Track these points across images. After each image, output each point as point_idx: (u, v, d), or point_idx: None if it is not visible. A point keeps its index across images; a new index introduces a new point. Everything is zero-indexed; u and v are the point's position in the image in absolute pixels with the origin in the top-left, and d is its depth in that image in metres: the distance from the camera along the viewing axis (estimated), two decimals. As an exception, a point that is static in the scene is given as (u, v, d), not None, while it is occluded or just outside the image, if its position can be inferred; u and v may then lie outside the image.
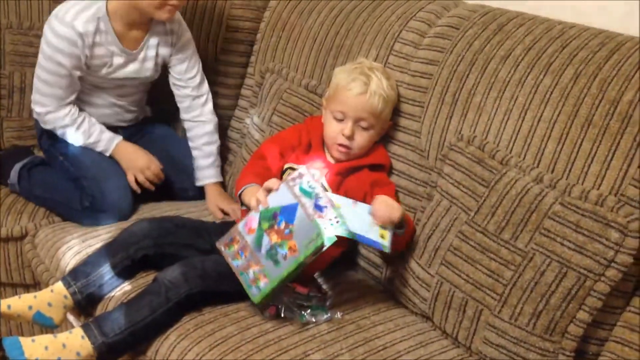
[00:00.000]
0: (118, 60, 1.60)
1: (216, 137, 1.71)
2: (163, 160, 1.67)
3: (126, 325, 1.21)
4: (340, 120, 1.36)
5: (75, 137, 1.62)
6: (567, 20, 1.29)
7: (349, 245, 1.36)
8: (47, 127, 1.64)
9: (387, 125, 1.41)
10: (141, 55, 1.62)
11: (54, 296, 1.32)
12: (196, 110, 1.69)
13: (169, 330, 1.21)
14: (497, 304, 1.12)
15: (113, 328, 1.21)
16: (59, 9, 1.56)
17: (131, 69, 1.62)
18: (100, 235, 1.53)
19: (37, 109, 1.62)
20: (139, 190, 1.63)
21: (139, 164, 1.62)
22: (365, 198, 1.34)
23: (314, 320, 1.22)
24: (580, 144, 1.13)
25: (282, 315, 1.22)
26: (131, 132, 1.73)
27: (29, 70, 1.95)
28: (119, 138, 1.64)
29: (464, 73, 1.32)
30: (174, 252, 1.33)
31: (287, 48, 1.66)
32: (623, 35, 1.19)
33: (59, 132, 1.63)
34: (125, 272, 1.34)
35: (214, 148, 1.71)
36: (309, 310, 1.23)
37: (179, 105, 1.71)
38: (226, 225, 1.45)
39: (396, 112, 1.43)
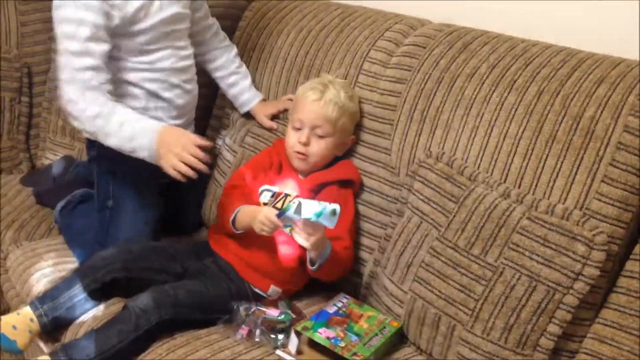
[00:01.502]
0: None
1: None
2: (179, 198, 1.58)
3: (95, 353, 1.19)
4: (298, 129, 1.39)
5: (107, 132, 1.33)
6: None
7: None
8: (76, 124, 1.37)
9: (350, 140, 1.43)
10: None
11: (19, 319, 1.29)
12: (218, 36, 1.62)
13: (140, 355, 1.20)
14: (470, 319, 1.13)
15: (82, 356, 1.19)
16: None
17: (165, 2, 1.42)
18: (74, 262, 1.51)
19: (61, 103, 1.37)
20: (182, 179, 1.32)
21: (175, 145, 1.30)
22: None
23: (288, 343, 1.21)
24: (545, 159, 1.15)
25: (257, 339, 1.21)
26: None
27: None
28: (161, 123, 1.36)
29: (431, 91, 1.34)
30: (144, 276, 1.32)
31: (258, 68, 1.67)
32: (584, 52, 1.22)
33: (89, 131, 1.36)
34: (94, 297, 1.32)
35: (245, 68, 1.64)
36: (283, 334, 1.22)
37: (198, 47, 1.59)
38: (198, 247, 1.45)
39: (366, 129, 1.44)
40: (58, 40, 1.34)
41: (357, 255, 1.40)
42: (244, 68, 1.64)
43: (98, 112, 1.33)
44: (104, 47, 1.35)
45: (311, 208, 1.17)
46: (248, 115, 1.64)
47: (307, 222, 1.19)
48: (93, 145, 1.51)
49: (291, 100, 1.54)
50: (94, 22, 1.32)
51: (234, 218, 1.33)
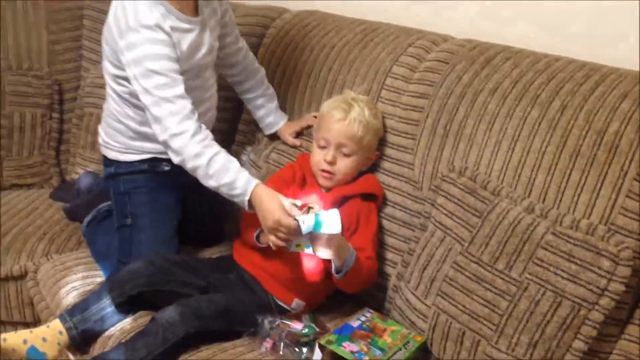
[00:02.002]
0: (194, 34, 1.44)
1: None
2: (202, 207, 1.58)
3: None
4: (324, 147, 1.41)
5: (206, 172, 1.34)
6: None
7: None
8: (177, 160, 1.37)
9: (374, 155, 1.45)
10: (204, 17, 1.47)
11: (49, 331, 1.33)
12: (248, 58, 1.64)
13: (168, 368, 1.22)
14: (494, 335, 1.13)
15: None
16: (115, 26, 1.39)
17: (207, 36, 1.48)
18: (102, 275, 1.54)
19: (162, 137, 1.37)
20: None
21: (267, 220, 1.29)
22: (354, 232, 1.37)
23: (312, 357, 1.22)
24: (570, 174, 1.15)
25: (281, 352, 1.22)
26: None
27: (28, 111, 1.99)
28: (256, 180, 1.35)
29: (454, 106, 1.35)
30: (170, 290, 1.34)
31: (282, 84, 1.69)
32: (607, 67, 1.22)
33: (188, 167, 1.36)
34: (121, 310, 1.35)
35: (272, 90, 1.66)
36: (307, 348, 1.23)
37: (228, 69, 1.64)
38: (223, 261, 1.48)
39: (389, 144, 1.46)
40: (139, 80, 1.35)
41: (380, 270, 1.41)
42: (271, 90, 1.67)
43: (199, 151, 1.34)
44: (181, 77, 1.38)
45: (309, 222, 1.22)
46: (274, 134, 1.67)
47: (319, 235, 1.22)
48: (111, 163, 1.56)
49: (315, 117, 1.56)
50: (170, 55, 1.37)
51: (259, 233, 1.34)
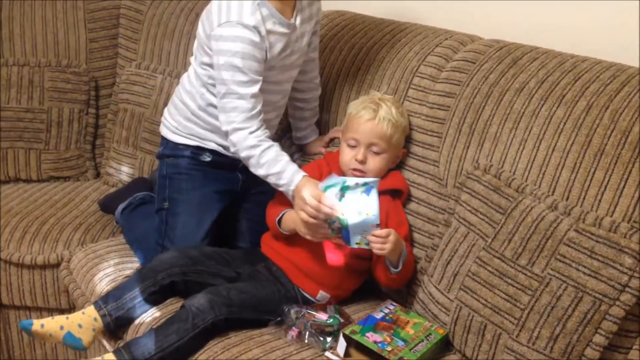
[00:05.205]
0: (288, 36, 1.47)
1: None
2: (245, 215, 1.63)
3: (155, 350, 1.26)
4: (353, 147, 1.44)
5: (257, 161, 1.42)
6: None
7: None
8: (233, 150, 1.46)
9: (401, 153, 1.48)
10: (298, 21, 1.49)
11: (84, 318, 1.38)
12: (315, 71, 1.66)
13: (197, 353, 1.26)
14: (515, 328, 1.15)
15: (143, 353, 1.26)
16: (216, 14, 1.42)
17: (296, 39, 1.50)
18: (134, 263, 1.60)
19: (225, 127, 1.45)
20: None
21: (297, 198, 1.38)
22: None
23: (336, 346, 1.25)
24: (594, 173, 1.17)
25: (306, 341, 1.26)
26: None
27: (66, 106, 2.06)
28: (303, 172, 1.42)
29: (480, 105, 1.37)
30: (200, 280, 1.39)
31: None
32: (634, 68, 1.23)
33: (242, 155, 1.45)
34: (153, 298, 1.40)
35: (317, 108, 1.71)
36: (331, 337, 1.27)
37: (297, 74, 1.61)
38: (252, 253, 1.52)
39: (415, 142, 1.48)
40: (221, 70, 1.41)
41: (404, 264, 1.43)
42: (317, 108, 1.70)
43: (254, 144, 1.42)
44: (260, 78, 1.43)
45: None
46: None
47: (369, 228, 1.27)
48: (166, 143, 1.61)
49: (338, 130, 1.59)
50: (257, 57, 1.41)
51: (280, 219, 1.39)
